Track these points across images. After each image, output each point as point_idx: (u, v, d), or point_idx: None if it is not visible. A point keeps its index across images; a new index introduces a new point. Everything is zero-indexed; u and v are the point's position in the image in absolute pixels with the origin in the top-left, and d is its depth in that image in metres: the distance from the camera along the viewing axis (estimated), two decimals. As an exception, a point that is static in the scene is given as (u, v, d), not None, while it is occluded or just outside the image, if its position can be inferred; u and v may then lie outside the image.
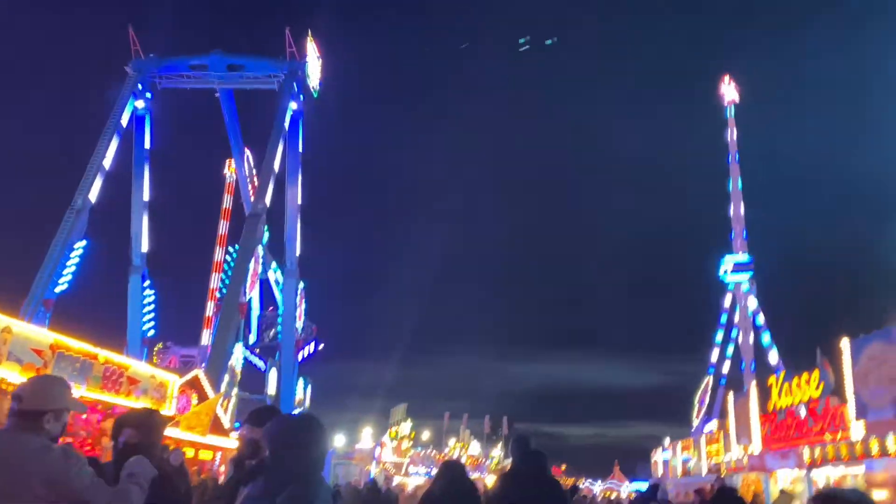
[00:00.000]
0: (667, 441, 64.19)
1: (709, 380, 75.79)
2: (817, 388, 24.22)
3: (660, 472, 61.11)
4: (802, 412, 25.02)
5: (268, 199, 44.28)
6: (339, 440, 51.63)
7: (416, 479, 55.88)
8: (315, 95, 49.77)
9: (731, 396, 36.90)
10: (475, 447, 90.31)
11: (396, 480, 49.30)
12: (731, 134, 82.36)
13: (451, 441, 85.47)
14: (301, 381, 56.76)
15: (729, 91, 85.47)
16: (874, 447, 19.56)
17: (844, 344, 21.72)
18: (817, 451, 22.61)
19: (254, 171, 54.66)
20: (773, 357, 70.43)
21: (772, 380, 29.61)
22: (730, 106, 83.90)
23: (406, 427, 62.37)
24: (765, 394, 29.59)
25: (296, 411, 41.20)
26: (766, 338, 73.66)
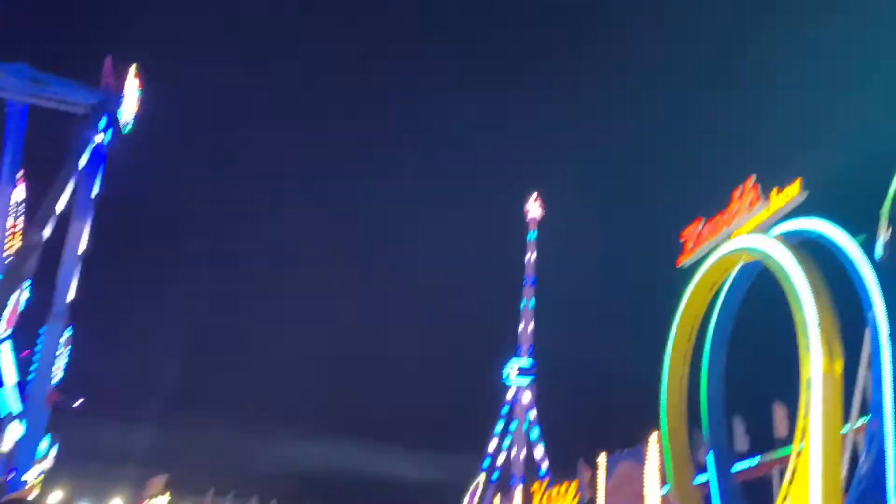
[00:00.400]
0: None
1: (481, 478, 77.71)
2: (574, 497, 25.61)
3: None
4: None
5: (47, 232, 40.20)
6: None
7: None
8: (126, 131, 46.94)
9: (498, 499, 37.95)
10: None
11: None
12: (531, 256, 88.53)
13: (211, 520, 79.44)
14: (47, 439, 50.53)
15: (534, 208, 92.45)
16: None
17: (601, 459, 23.30)
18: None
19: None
20: (544, 466, 73.86)
21: (535, 486, 30.88)
22: (532, 228, 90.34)
23: (163, 501, 57.26)
24: (528, 500, 30.83)
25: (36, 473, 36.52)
26: (538, 449, 77.50)
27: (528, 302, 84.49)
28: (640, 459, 21.38)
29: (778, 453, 48.14)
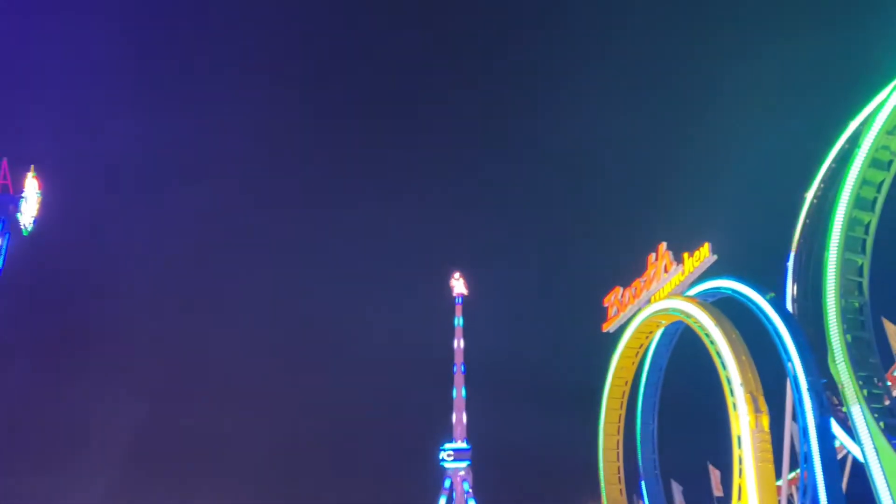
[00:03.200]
0: None
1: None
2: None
3: None
4: None
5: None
6: None
7: None
8: (26, 233, 44.79)
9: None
10: None
11: None
12: (459, 342, 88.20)
13: None
14: None
15: (458, 286, 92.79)
16: None
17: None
18: None
19: None
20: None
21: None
22: (458, 311, 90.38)
23: None
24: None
25: None
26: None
27: (458, 389, 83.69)
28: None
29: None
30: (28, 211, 44.62)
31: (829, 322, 24.47)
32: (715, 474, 45.51)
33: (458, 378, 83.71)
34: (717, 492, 46.17)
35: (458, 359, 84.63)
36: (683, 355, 43.42)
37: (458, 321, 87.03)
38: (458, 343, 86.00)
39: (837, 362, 24.10)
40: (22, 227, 43.89)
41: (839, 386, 24.51)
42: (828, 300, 24.67)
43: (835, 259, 24.86)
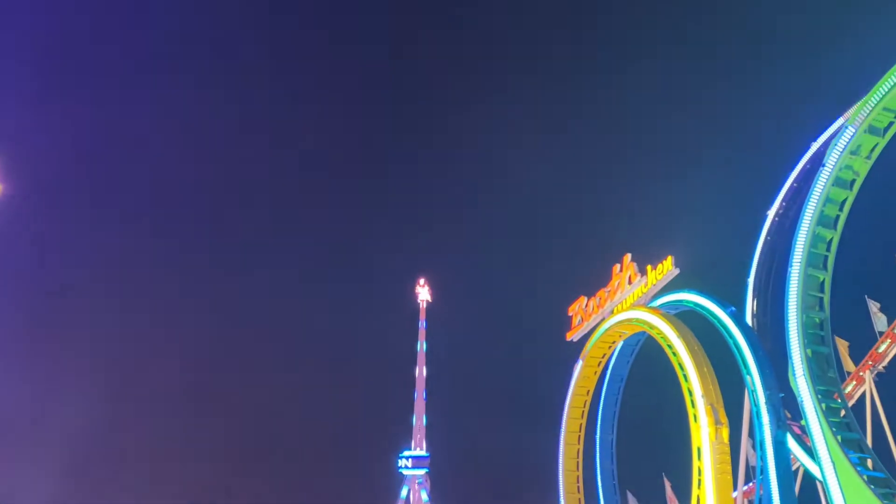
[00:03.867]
0: None
1: (379, 579, 73.72)
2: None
3: None
4: None
5: None
6: None
7: None
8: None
9: None
10: None
11: None
12: (421, 345, 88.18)
13: None
14: None
15: (423, 293, 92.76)
16: None
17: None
18: None
19: None
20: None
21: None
22: (422, 316, 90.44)
23: None
24: None
25: None
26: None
27: (419, 396, 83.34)
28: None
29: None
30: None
31: (791, 336, 24.93)
32: (668, 485, 46.12)
33: (420, 384, 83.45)
34: (672, 503, 46.79)
35: (421, 362, 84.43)
36: (642, 368, 44.07)
37: (422, 326, 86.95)
38: (421, 345, 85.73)
39: (797, 376, 24.54)
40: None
41: (799, 399, 24.92)
42: (790, 315, 25.16)
43: (797, 274, 25.35)
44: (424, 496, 77.42)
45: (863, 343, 40.08)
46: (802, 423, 34.13)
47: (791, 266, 25.48)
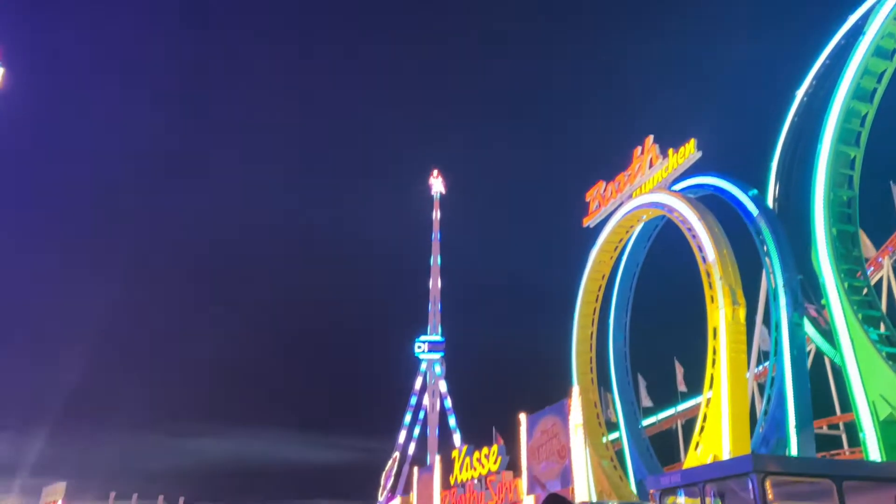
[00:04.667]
0: (351, 519, 63.28)
1: (396, 456, 77.15)
2: (495, 462, 25.20)
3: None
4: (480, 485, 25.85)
5: None
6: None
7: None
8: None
9: (416, 471, 37.30)
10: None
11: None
12: (436, 233, 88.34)
13: (113, 524, 75.27)
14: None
15: (436, 184, 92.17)
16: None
17: (522, 418, 22.90)
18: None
19: None
20: (457, 439, 74.19)
21: (455, 453, 30.32)
22: (436, 204, 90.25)
23: (57, 508, 53.21)
24: (448, 468, 30.34)
25: None
26: (451, 421, 77.88)
27: (434, 283, 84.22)
28: (562, 414, 21.02)
29: (680, 407, 50.19)
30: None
31: (816, 213, 24.28)
32: (680, 370, 46.85)
33: (435, 272, 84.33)
34: (682, 387, 47.65)
35: (435, 248, 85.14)
36: (657, 255, 43.87)
37: (436, 211, 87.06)
38: (436, 233, 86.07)
39: (820, 254, 24.11)
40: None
41: (821, 278, 24.59)
42: (816, 191, 24.40)
43: (828, 150, 24.42)
44: (441, 381, 79.79)
45: (883, 230, 39.47)
46: (820, 304, 34.32)
47: (821, 141, 24.49)
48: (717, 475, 10.60)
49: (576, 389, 21.22)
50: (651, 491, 12.45)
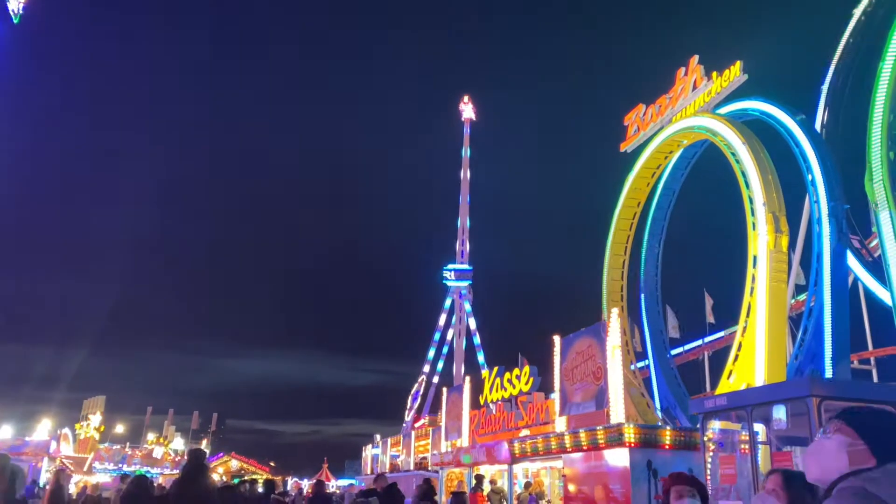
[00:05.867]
0: (377, 438, 64.98)
1: (423, 379, 78.51)
2: (527, 382, 25.15)
3: (369, 468, 61.30)
4: (511, 406, 25.91)
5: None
6: (5, 431, 43.74)
7: (101, 476, 49.41)
8: (16, 21, 41.96)
9: (444, 391, 37.68)
10: (178, 443, 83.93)
11: (76, 479, 42.92)
12: (465, 153, 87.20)
13: (151, 436, 78.36)
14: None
15: (467, 110, 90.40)
16: (577, 440, 20.47)
17: (556, 340, 22.67)
18: (527, 444, 23.35)
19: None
20: (483, 362, 75.08)
21: (485, 374, 30.39)
22: (466, 128, 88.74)
23: (95, 420, 55.28)
24: (477, 388, 30.51)
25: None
26: (478, 349, 78.63)
27: (464, 197, 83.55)
28: (599, 335, 20.69)
29: (707, 339, 49.83)
30: (16, -6, 41.51)
31: (872, 135, 23.02)
32: (709, 301, 46.32)
33: (464, 201, 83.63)
34: (710, 318, 47.23)
35: (465, 186, 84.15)
36: (692, 186, 42.65)
37: (466, 151, 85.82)
38: (465, 153, 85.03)
39: (874, 180, 22.99)
40: (11, 12, 41.03)
41: (871, 206, 23.56)
42: (875, 111, 23.06)
43: (890, 67, 22.94)
44: (467, 306, 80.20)
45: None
46: (863, 237, 33.21)
47: (884, 58, 23.00)
48: (770, 399, 10.18)
49: (615, 310, 20.78)
50: (694, 413, 12.13)
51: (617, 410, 18.96)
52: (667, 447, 18.76)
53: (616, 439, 18.92)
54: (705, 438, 11.50)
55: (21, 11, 41.10)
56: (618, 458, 18.87)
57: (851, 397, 9.51)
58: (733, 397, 11.17)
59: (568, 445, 21.54)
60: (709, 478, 11.78)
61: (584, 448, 20.64)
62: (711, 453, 11.11)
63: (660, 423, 22.66)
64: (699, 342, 52.20)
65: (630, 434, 18.53)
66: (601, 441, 19.61)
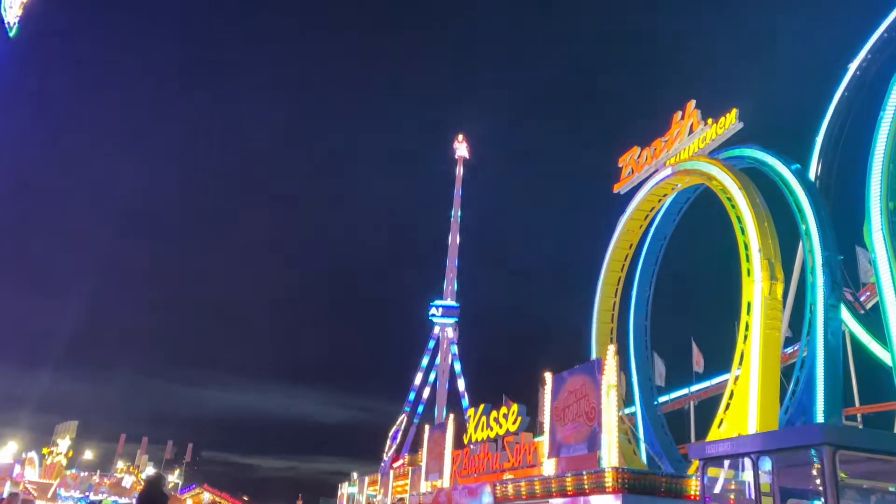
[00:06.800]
0: (354, 476, 63.40)
1: (403, 418, 77.03)
2: (515, 422, 24.34)
3: (344, 506, 59.64)
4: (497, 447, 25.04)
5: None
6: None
7: (65, 505, 47.59)
8: (12, 34, 41.56)
9: (427, 429, 36.65)
10: (150, 472, 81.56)
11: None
12: (457, 193, 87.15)
13: (121, 465, 76.10)
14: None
15: (461, 148, 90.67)
16: (562, 484, 19.64)
17: (547, 377, 21.95)
18: (511, 487, 22.44)
19: None
20: (466, 402, 73.83)
21: (471, 412, 29.53)
22: (459, 168, 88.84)
23: (63, 444, 53.49)
24: (461, 427, 29.62)
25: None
26: (461, 385, 77.50)
27: (454, 236, 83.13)
28: (593, 373, 20.02)
29: (694, 387, 49.16)
30: (13, 4, 41.08)
31: (872, 186, 22.83)
32: (696, 349, 45.75)
33: (453, 241, 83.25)
34: (698, 367, 46.61)
35: (454, 228, 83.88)
36: (684, 231, 42.44)
37: (458, 191, 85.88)
38: (457, 193, 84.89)
39: (873, 231, 22.71)
40: (7, 25, 40.62)
41: (873, 255, 23.23)
42: (874, 162, 22.90)
43: (891, 116, 22.86)
44: (453, 350, 79.24)
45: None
46: (855, 289, 32.92)
47: (884, 108, 22.94)
48: (777, 446, 9.56)
49: (610, 347, 20.15)
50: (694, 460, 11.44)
51: (610, 454, 18.17)
52: (657, 494, 17.94)
53: (601, 485, 18.14)
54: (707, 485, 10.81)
55: (17, 25, 40.77)
56: (608, 504, 18.05)
57: (869, 448, 8.93)
58: (738, 443, 10.54)
59: (553, 490, 20.72)
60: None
61: (569, 493, 19.83)
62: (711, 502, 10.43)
63: (648, 470, 21.88)
64: (685, 391, 51.47)
65: (617, 480, 17.74)
66: (587, 486, 18.83)
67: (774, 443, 9.75)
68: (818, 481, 8.93)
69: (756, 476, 9.83)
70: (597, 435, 18.52)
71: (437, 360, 79.16)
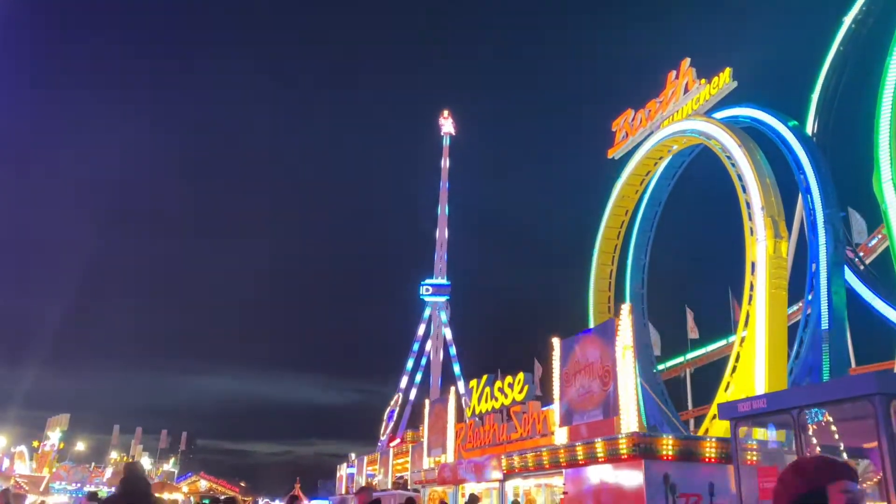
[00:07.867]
0: (352, 457, 62.96)
1: (398, 397, 76.56)
2: (521, 391, 23.67)
3: (344, 488, 59.15)
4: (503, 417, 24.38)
5: None
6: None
7: (59, 497, 46.70)
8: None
9: (427, 403, 35.97)
10: (146, 462, 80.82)
11: (31, 499, 40.33)
12: (444, 164, 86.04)
13: (114, 455, 75.35)
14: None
15: (446, 124, 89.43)
16: (573, 454, 18.98)
17: (555, 343, 21.20)
18: (521, 459, 21.73)
19: None
20: (461, 385, 73.50)
21: (473, 383, 28.84)
22: (446, 144, 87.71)
23: (54, 437, 52.53)
24: (462, 403, 28.95)
25: None
26: (455, 368, 77.03)
27: (442, 211, 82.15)
28: (607, 335, 19.30)
29: (689, 355, 48.88)
30: None
31: (880, 135, 22.16)
32: (690, 315, 45.28)
33: (442, 217, 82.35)
34: (692, 333, 46.20)
35: (443, 199, 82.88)
36: (680, 194, 41.75)
37: (446, 163, 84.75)
38: (444, 179, 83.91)
39: (884, 181, 22.08)
40: None
41: (883, 206, 22.61)
42: (882, 110, 22.21)
43: (898, 65, 22.13)
44: (444, 318, 78.64)
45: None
46: (855, 245, 32.43)
47: (891, 53, 22.19)
48: (824, 399, 8.87)
49: (625, 306, 19.44)
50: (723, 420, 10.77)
51: (629, 419, 17.45)
52: (669, 458, 17.19)
53: (617, 452, 17.47)
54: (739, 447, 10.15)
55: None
56: (627, 473, 17.37)
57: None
58: (775, 398, 9.84)
59: (562, 460, 20.10)
60: (742, 493, 10.44)
61: (581, 462, 19.19)
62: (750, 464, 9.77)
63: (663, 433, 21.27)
64: (681, 359, 51.17)
65: (630, 446, 17.02)
66: (600, 454, 18.18)
67: (820, 396, 9.06)
68: (872, 434, 8.24)
69: (798, 433, 9.14)
70: (612, 399, 17.84)
71: (430, 340, 78.58)
